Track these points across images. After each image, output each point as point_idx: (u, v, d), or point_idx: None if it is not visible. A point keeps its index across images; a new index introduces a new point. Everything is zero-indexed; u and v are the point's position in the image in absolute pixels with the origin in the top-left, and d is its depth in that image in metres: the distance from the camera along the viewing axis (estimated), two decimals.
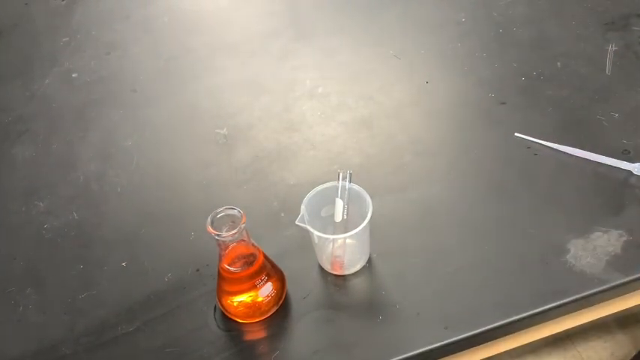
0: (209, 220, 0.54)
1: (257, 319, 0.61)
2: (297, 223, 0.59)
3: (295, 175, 0.77)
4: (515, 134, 0.77)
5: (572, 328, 0.71)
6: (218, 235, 0.53)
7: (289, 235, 0.69)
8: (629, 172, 0.70)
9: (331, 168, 0.76)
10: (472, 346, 0.61)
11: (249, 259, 0.58)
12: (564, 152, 0.74)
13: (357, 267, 0.65)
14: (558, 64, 0.87)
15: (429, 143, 0.79)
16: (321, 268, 0.66)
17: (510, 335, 0.63)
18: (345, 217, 0.62)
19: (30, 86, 0.97)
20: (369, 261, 0.66)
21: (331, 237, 0.61)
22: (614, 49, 0.88)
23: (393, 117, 0.83)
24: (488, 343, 0.62)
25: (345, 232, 0.61)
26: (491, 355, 0.67)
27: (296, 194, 0.66)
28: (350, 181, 0.61)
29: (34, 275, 0.69)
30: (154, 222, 0.73)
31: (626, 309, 0.70)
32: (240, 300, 0.60)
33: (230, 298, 0.60)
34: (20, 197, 0.79)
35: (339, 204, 0.61)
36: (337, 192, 0.62)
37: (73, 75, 0.98)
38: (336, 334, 0.60)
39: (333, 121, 0.83)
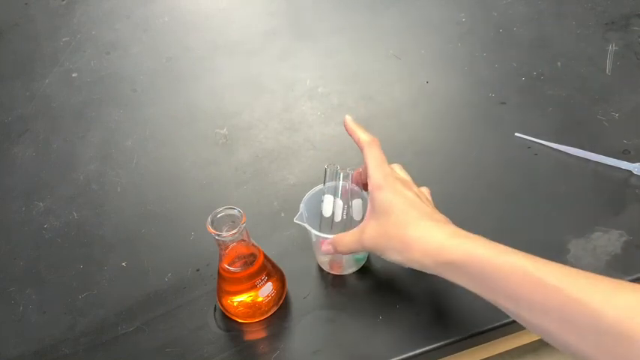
0: (209, 219, 0.54)
1: (257, 319, 0.61)
2: (295, 220, 0.59)
3: (295, 174, 0.77)
4: (515, 134, 0.77)
5: None
6: (218, 235, 0.53)
7: (289, 235, 0.69)
8: (629, 172, 0.70)
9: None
10: (472, 346, 0.61)
11: (249, 259, 0.58)
12: (564, 152, 0.74)
13: (357, 267, 0.65)
14: (558, 64, 0.87)
15: (429, 143, 0.79)
16: (321, 268, 0.66)
17: (510, 335, 0.62)
18: (345, 217, 0.62)
19: (30, 86, 0.97)
20: (369, 261, 0.66)
21: (329, 236, 0.61)
22: (614, 49, 0.88)
23: (393, 117, 0.83)
24: (488, 343, 0.62)
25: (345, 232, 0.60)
26: (491, 355, 0.67)
27: (296, 194, 0.66)
28: (348, 181, 0.61)
29: (34, 275, 0.69)
30: (154, 222, 0.73)
31: None
32: (240, 300, 0.60)
33: (230, 298, 0.60)
34: (20, 197, 0.78)
35: (328, 200, 0.61)
36: (333, 189, 0.61)
37: (73, 75, 0.98)
38: (336, 334, 0.60)
39: (333, 121, 0.83)
